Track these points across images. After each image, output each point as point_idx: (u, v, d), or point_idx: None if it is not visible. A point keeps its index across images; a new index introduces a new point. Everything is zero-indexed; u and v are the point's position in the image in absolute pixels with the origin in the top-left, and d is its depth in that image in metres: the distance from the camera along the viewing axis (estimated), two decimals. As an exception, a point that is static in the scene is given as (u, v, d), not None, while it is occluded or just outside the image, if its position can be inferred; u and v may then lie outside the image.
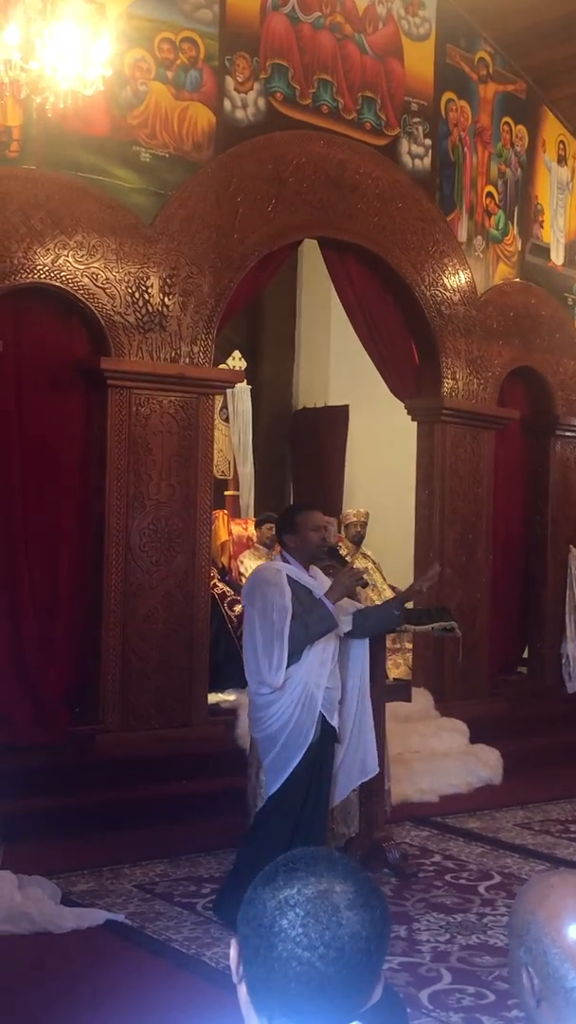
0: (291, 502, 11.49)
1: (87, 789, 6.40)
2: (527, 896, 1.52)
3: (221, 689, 7.78)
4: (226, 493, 10.00)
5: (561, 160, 9.85)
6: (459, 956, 4.71)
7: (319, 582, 5.08)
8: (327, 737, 5.01)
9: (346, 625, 5.12)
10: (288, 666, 4.83)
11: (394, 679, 7.37)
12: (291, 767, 4.85)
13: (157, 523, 6.98)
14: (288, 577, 4.93)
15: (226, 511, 9.69)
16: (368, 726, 5.36)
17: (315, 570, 5.19)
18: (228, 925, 4.84)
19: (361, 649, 5.40)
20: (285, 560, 5.07)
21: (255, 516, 9.74)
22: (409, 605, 5.80)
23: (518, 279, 9.41)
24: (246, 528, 9.55)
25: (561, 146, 9.84)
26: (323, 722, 4.94)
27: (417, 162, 8.55)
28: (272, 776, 4.92)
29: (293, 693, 4.85)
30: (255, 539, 9.08)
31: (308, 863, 1.37)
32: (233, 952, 1.40)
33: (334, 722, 5.02)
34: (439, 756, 7.73)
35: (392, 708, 6.17)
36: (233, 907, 4.83)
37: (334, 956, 1.31)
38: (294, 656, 4.85)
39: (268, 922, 1.33)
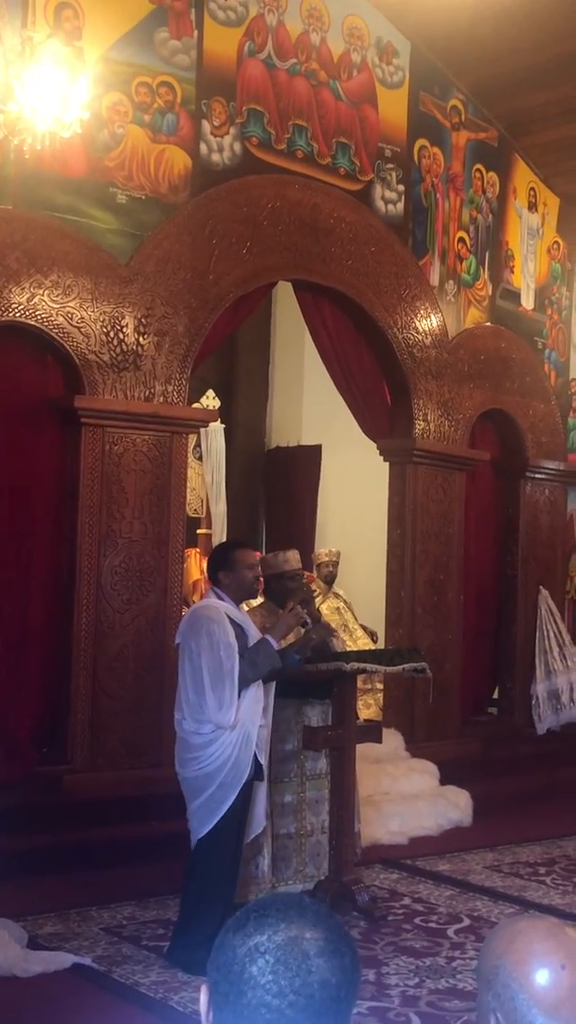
0: (264, 541, 11.51)
1: (54, 830, 6.34)
2: (495, 941, 1.52)
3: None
4: (199, 531, 10.00)
5: (532, 207, 10.00)
6: (428, 1000, 4.68)
7: (247, 622, 5.11)
8: (254, 774, 5.04)
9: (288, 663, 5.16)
10: None
11: (365, 720, 7.38)
12: (226, 806, 4.86)
13: (129, 561, 6.98)
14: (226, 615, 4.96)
15: (198, 549, 9.69)
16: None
17: (242, 609, 5.23)
18: (183, 969, 4.81)
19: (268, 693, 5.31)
20: (219, 597, 5.07)
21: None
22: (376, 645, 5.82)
23: (489, 323, 9.52)
24: (218, 567, 9.52)
25: (532, 193, 9.99)
26: (253, 760, 4.98)
27: (390, 207, 8.66)
28: (205, 816, 4.89)
29: (232, 733, 4.87)
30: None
31: (279, 909, 1.38)
32: (203, 998, 1.40)
33: (263, 759, 5.05)
34: (409, 798, 7.72)
35: (363, 749, 6.17)
36: (183, 952, 4.83)
37: (304, 1003, 1.31)
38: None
39: (238, 969, 1.33)
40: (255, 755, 4.98)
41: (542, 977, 1.45)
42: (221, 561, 5.19)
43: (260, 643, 4.95)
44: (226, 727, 4.82)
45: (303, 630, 5.60)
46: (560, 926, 1.52)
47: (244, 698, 4.91)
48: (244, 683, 4.86)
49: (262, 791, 5.25)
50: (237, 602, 5.10)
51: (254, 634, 5.09)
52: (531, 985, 1.44)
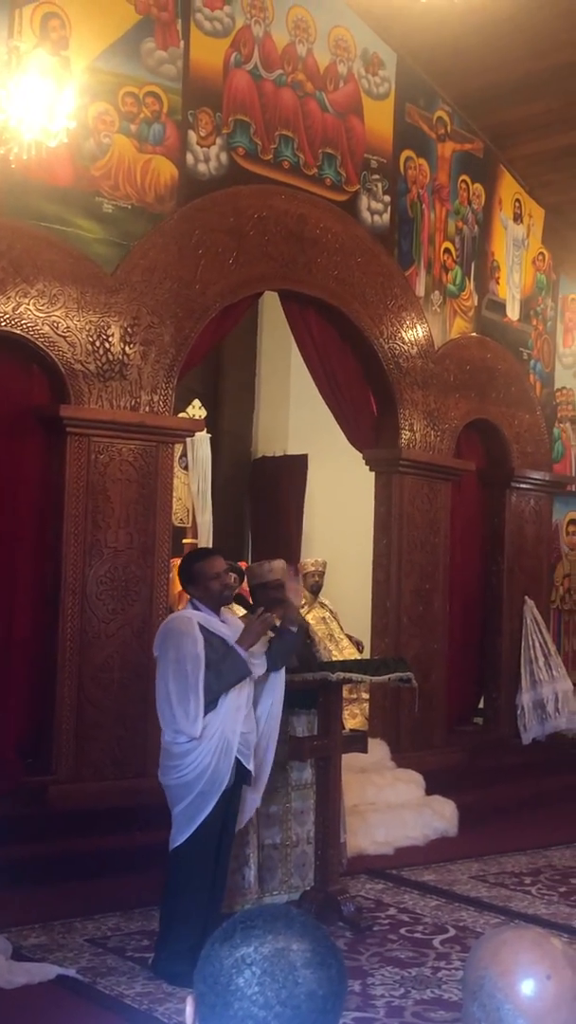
0: (250, 551, 11.50)
1: (39, 840, 6.31)
2: (480, 952, 1.52)
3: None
4: (184, 541, 9.98)
5: (517, 218, 10.05)
6: (413, 1011, 4.68)
7: (231, 627, 5.08)
8: (239, 780, 5.04)
9: (259, 669, 5.13)
10: (206, 714, 4.85)
11: (350, 730, 7.37)
12: (204, 813, 4.87)
13: (115, 571, 6.97)
14: (200, 625, 4.94)
15: (184, 559, 9.65)
16: (271, 754, 5.37)
17: (226, 614, 5.21)
18: (167, 981, 4.80)
19: (275, 682, 5.38)
20: (196, 608, 5.07)
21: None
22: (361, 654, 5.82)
23: (475, 333, 9.55)
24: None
25: (517, 204, 10.03)
26: (238, 766, 4.97)
27: (376, 218, 8.68)
28: (184, 823, 4.90)
29: (211, 741, 4.87)
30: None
31: (266, 921, 1.37)
32: (189, 1009, 1.39)
33: (250, 766, 5.05)
34: (395, 808, 7.71)
35: (348, 759, 6.17)
36: (166, 963, 4.82)
37: (290, 1015, 1.31)
38: (210, 704, 4.87)
39: (225, 980, 1.33)
40: (239, 762, 4.97)
41: (527, 987, 1.45)
42: (185, 575, 5.20)
43: (226, 653, 4.94)
44: (194, 737, 4.83)
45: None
46: (545, 936, 1.52)
47: (221, 707, 4.91)
48: (211, 694, 4.86)
49: (251, 795, 5.25)
50: (214, 610, 5.09)
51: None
52: (517, 995, 1.44)
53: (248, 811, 5.34)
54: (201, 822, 4.87)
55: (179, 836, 4.90)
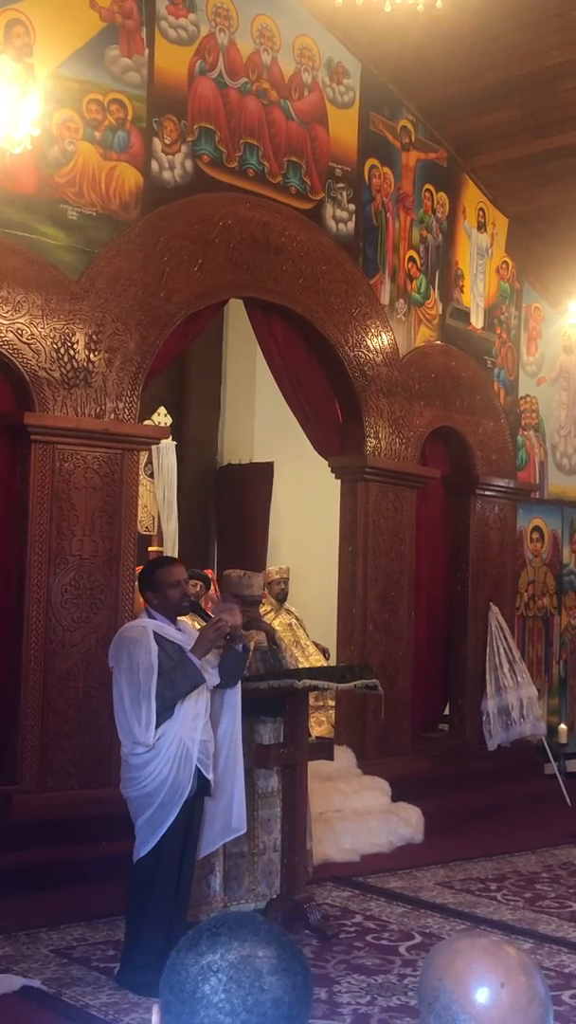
0: (216, 558, 11.49)
1: (3, 851, 6.25)
2: (435, 962, 1.52)
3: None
4: (150, 549, 9.96)
5: (481, 227, 10.11)
6: (380, 1018, 4.68)
7: (187, 635, 5.07)
8: (200, 790, 5.01)
9: (213, 678, 5.11)
10: (162, 723, 4.83)
11: (316, 737, 7.38)
12: (167, 825, 4.85)
13: (79, 579, 6.93)
14: (155, 633, 4.93)
15: (149, 567, 9.62)
16: (238, 780, 5.31)
17: (183, 623, 5.19)
18: (133, 991, 4.78)
19: (232, 699, 5.36)
20: (151, 616, 5.06)
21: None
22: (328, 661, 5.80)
23: (439, 342, 9.60)
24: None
25: (481, 213, 10.10)
26: (198, 775, 4.94)
27: (341, 226, 8.71)
28: (147, 835, 4.88)
29: (169, 750, 4.84)
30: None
31: (231, 928, 1.37)
32: (155, 1018, 1.39)
33: (210, 775, 5.01)
34: (361, 815, 7.72)
35: (315, 767, 6.16)
36: (131, 973, 4.80)
37: (256, 1022, 1.31)
38: (166, 713, 4.85)
39: (191, 988, 1.33)
40: (199, 771, 4.95)
41: (482, 996, 1.45)
42: (145, 581, 5.18)
43: (180, 661, 4.92)
44: (148, 746, 4.81)
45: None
46: (499, 944, 1.52)
47: (177, 715, 4.88)
48: (164, 703, 4.83)
49: (215, 809, 5.23)
50: (170, 619, 5.07)
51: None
52: (471, 1005, 1.45)
53: (213, 844, 5.28)
54: (164, 833, 4.85)
55: (143, 848, 4.88)
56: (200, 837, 5.15)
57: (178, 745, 4.86)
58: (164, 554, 9.99)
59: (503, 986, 1.45)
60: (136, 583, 8.11)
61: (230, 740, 5.31)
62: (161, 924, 4.83)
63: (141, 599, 8.57)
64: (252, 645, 6.16)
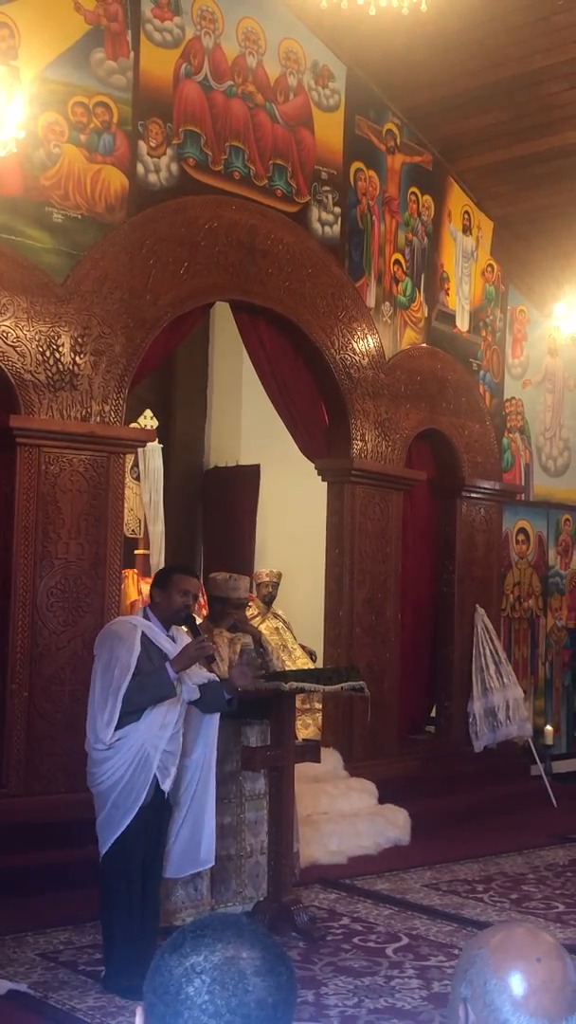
0: (203, 561, 11.47)
1: (-10, 855, 6.25)
2: (485, 934, 1.56)
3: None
4: (136, 552, 9.95)
5: (466, 230, 10.14)
6: (367, 1020, 4.68)
7: (176, 646, 5.02)
8: (160, 802, 4.96)
9: (189, 694, 5.06)
10: (126, 724, 4.81)
11: (303, 739, 7.38)
12: (121, 828, 4.83)
13: (66, 583, 6.92)
14: (144, 635, 4.92)
15: (136, 570, 9.64)
16: (208, 813, 5.25)
17: (178, 632, 5.15)
18: (119, 995, 4.77)
19: (208, 728, 5.33)
20: (146, 616, 5.06)
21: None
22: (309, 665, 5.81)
23: (425, 344, 9.62)
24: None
25: (466, 216, 10.12)
26: (156, 786, 4.90)
27: (327, 229, 8.72)
28: (105, 834, 4.88)
29: (128, 753, 4.82)
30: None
31: (215, 929, 1.37)
32: (139, 1020, 1.39)
33: (165, 786, 4.94)
34: (348, 817, 7.72)
35: (301, 769, 6.17)
36: (116, 977, 4.79)
37: (240, 1023, 1.31)
38: (133, 715, 4.84)
39: (174, 989, 1.33)
40: (156, 781, 4.89)
41: (517, 966, 1.48)
42: (159, 579, 5.20)
43: (156, 668, 4.90)
44: (106, 744, 4.80)
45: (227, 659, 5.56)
46: (541, 930, 1.57)
47: (144, 720, 4.86)
48: (130, 705, 4.81)
49: (183, 836, 5.17)
50: (165, 624, 5.05)
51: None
52: (505, 974, 1.47)
53: (179, 871, 5.27)
54: (122, 834, 4.83)
55: (103, 845, 4.89)
56: (167, 855, 5.13)
57: (138, 749, 4.82)
58: (150, 557, 10.00)
59: (539, 961, 1.48)
60: (124, 586, 8.14)
61: (202, 769, 5.27)
62: (131, 925, 4.82)
63: (128, 600, 8.57)
64: (239, 648, 6.16)
